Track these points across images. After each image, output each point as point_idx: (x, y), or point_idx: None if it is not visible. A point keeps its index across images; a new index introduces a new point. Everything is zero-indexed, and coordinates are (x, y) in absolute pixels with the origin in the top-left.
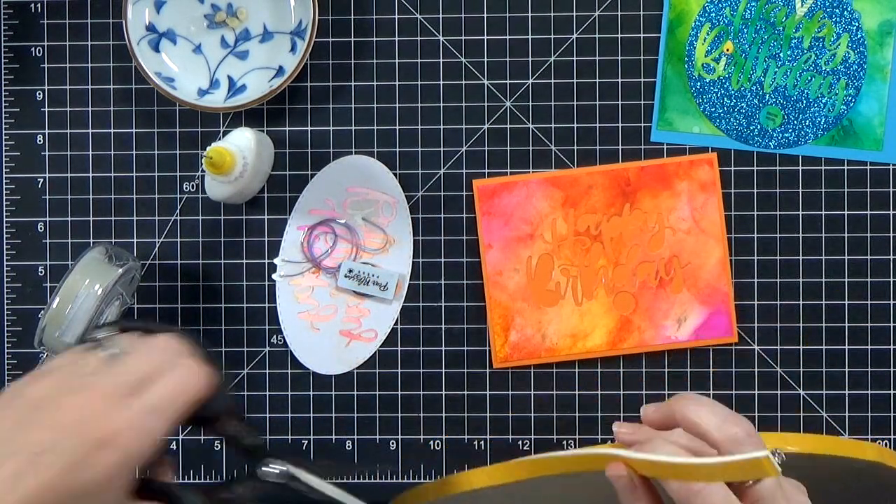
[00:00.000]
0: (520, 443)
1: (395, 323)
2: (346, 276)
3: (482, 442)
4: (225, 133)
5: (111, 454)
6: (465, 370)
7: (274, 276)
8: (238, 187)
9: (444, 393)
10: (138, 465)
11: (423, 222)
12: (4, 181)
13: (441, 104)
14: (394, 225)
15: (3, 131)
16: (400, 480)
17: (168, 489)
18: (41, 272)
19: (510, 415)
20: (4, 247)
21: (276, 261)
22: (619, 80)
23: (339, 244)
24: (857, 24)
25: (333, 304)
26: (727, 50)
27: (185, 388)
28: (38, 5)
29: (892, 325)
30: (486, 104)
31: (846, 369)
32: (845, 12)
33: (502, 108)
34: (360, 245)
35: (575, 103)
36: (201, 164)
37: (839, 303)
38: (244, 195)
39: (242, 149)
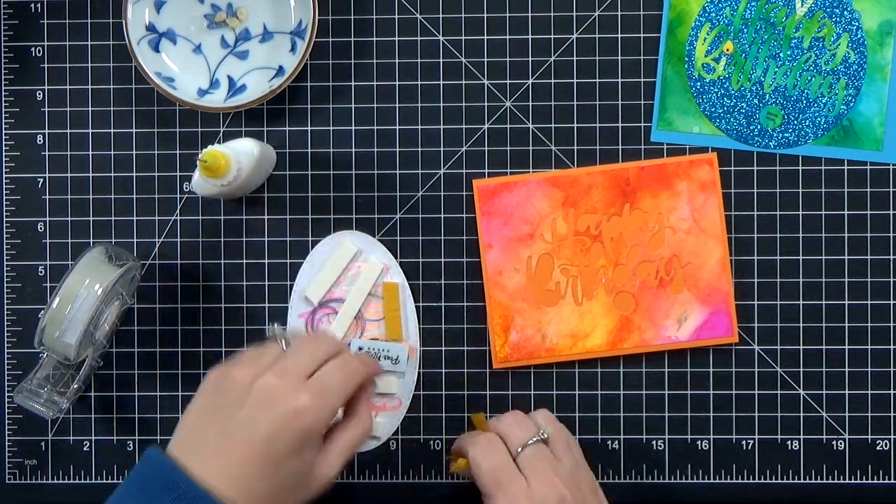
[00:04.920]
0: None
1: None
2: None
3: None
4: (225, 133)
5: (300, 422)
6: (465, 370)
7: None
8: (225, 192)
9: (443, 393)
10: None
11: (423, 222)
12: (4, 181)
13: (441, 104)
14: None
15: (3, 131)
16: (400, 481)
17: None
18: (41, 272)
19: None
20: (4, 247)
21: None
22: (619, 80)
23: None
24: (857, 24)
25: None
26: (727, 50)
27: (349, 372)
28: (38, 5)
29: (892, 325)
30: (486, 104)
31: (846, 369)
32: (845, 12)
33: (502, 108)
34: (364, 318)
35: (575, 103)
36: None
37: (839, 303)
38: (228, 197)
39: (240, 156)
